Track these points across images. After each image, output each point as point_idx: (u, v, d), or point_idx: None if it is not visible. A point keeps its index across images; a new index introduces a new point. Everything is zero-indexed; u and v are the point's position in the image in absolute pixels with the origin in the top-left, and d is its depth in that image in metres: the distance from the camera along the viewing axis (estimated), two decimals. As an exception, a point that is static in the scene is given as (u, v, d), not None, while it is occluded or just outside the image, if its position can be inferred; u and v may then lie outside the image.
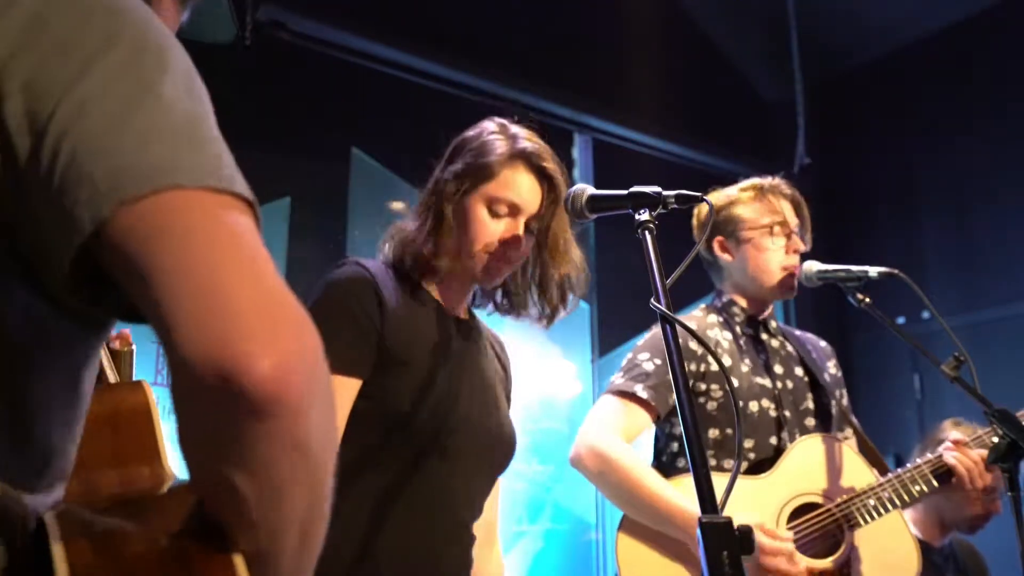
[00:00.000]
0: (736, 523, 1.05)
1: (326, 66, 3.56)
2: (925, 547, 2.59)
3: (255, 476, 0.59)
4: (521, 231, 1.55)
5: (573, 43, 4.33)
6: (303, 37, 3.42)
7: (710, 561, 1.01)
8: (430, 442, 1.48)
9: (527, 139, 1.59)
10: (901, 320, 4.08)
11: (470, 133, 1.63)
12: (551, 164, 1.57)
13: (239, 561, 0.62)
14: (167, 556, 0.63)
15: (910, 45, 4.86)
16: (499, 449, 1.61)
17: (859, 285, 1.95)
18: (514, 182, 1.55)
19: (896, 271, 1.90)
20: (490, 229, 1.54)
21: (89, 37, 0.64)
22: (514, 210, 1.55)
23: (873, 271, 1.93)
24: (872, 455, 2.05)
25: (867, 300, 1.94)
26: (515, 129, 1.61)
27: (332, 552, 0.71)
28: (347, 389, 1.44)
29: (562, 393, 4.17)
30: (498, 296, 1.70)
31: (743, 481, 1.93)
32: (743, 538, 1.04)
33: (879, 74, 5.07)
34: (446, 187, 1.57)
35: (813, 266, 2.04)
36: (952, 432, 2.06)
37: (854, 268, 1.96)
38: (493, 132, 1.60)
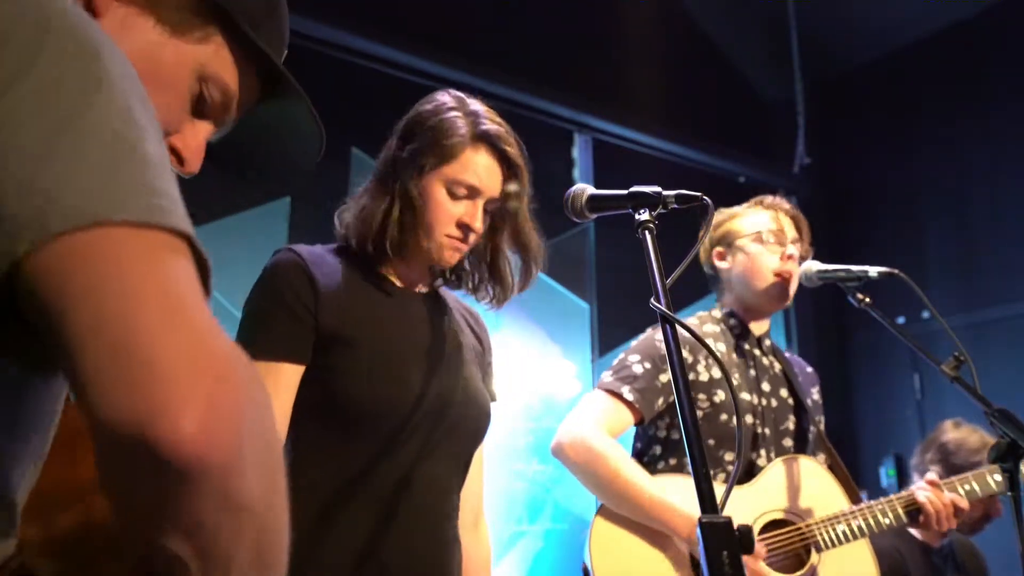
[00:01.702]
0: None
1: (326, 66, 3.56)
2: (924, 548, 2.60)
3: (193, 541, 0.54)
4: (480, 213, 1.52)
5: (573, 43, 4.33)
6: (304, 37, 3.42)
7: (710, 561, 1.00)
8: (387, 420, 1.43)
9: (488, 118, 1.53)
10: (901, 320, 4.08)
11: (426, 108, 1.56)
12: (513, 148, 1.53)
13: None
14: None
15: (910, 46, 4.86)
16: (467, 421, 1.55)
17: (859, 285, 1.95)
18: (475, 164, 1.51)
19: (896, 271, 1.90)
20: (450, 211, 1.50)
21: (9, 54, 0.58)
22: (473, 192, 1.51)
23: (873, 271, 1.93)
24: (845, 481, 2.07)
25: (867, 300, 1.94)
26: (474, 106, 1.55)
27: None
28: (287, 375, 1.41)
29: (562, 393, 4.16)
30: (449, 273, 1.63)
31: (720, 490, 1.95)
32: (743, 538, 1.04)
33: (879, 74, 5.07)
34: (405, 166, 1.53)
35: (813, 266, 2.04)
36: (930, 474, 2.11)
37: (854, 268, 1.96)
38: (452, 109, 1.54)
